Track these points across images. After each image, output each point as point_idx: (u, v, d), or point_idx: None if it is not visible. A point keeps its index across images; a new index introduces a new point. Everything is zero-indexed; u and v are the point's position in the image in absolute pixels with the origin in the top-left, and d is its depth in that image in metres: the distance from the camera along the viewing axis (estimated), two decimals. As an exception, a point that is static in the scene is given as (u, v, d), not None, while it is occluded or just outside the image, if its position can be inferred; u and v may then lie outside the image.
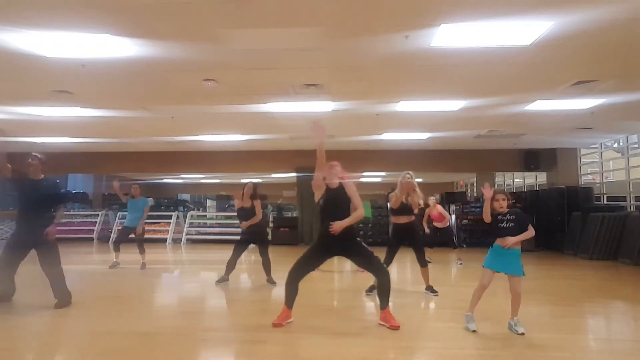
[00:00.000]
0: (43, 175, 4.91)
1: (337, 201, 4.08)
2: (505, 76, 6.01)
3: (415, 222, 5.73)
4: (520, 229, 3.89)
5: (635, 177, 10.99)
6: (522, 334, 3.79)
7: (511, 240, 3.85)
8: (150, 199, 16.90)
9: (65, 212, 14.34)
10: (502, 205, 3.93)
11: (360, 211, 4.07)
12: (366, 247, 4.20)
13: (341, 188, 4.13)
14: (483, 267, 4.01)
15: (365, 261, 4.21)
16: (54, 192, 5.00)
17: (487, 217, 3.97)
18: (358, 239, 4.26)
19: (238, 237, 6.66)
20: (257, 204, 6.34)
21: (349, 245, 4.13)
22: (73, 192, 17.36)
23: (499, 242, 3.93)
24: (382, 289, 4.15)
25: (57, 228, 4.76)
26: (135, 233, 8.04)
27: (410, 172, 5.44)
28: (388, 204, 5.83)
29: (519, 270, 3.87)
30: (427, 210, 8.79)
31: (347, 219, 3.99)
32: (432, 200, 8.99)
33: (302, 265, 4.19)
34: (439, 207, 9.02)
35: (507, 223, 3.91)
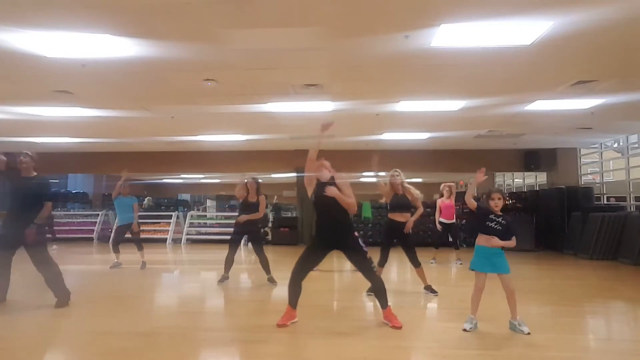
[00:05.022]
0: (35, 174, 4.83)
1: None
2: (505, 76, 6.01)
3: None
4: (506, 234, 3.93)
5: (635, 177, 11.00)
6: (528, 333, 3.80)
7: (497, 243, 3.90)
8: (148, 198, 16.89)
9: (65, 212, 14.46)
10: (498, 205, 3.95)
11: (352, 199, 4.07)
12: (361, 246, 4.16)
13: (332, 180, 4.16)
14: (471, 269, 4.05)
15: (357, 260, 4.19)
16: (42, 191, 4.80)
17: (469, 201, 3.97)
18: (355, 234, 4.23)
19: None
20: (262, 200, 6.35)
21: (344, 239, 4.14)
22: (73, 192, 17.35)
23: (483, 239, 3.97)
24: (377, 291, 4.18)
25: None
26: (131, 232, 8.01)
27: (397, 169, 5.48)
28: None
29: (505, 268, 3.94)
30: (438, 202, 8.43)
31: (342, 200, 3.99)
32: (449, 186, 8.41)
33: (303, 264, 4.22)
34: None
35: (496, 225, 3.94)
